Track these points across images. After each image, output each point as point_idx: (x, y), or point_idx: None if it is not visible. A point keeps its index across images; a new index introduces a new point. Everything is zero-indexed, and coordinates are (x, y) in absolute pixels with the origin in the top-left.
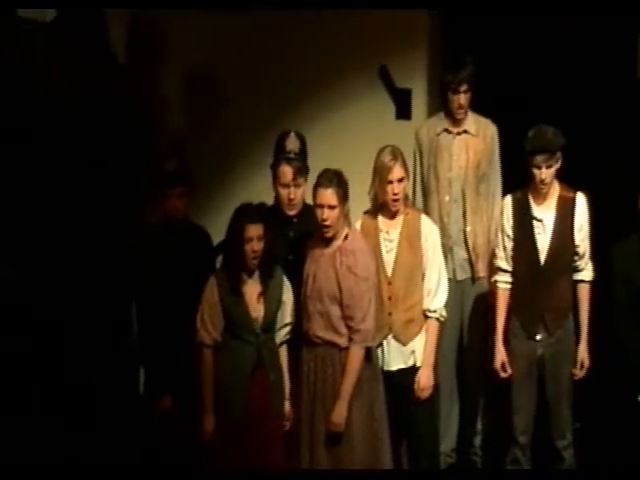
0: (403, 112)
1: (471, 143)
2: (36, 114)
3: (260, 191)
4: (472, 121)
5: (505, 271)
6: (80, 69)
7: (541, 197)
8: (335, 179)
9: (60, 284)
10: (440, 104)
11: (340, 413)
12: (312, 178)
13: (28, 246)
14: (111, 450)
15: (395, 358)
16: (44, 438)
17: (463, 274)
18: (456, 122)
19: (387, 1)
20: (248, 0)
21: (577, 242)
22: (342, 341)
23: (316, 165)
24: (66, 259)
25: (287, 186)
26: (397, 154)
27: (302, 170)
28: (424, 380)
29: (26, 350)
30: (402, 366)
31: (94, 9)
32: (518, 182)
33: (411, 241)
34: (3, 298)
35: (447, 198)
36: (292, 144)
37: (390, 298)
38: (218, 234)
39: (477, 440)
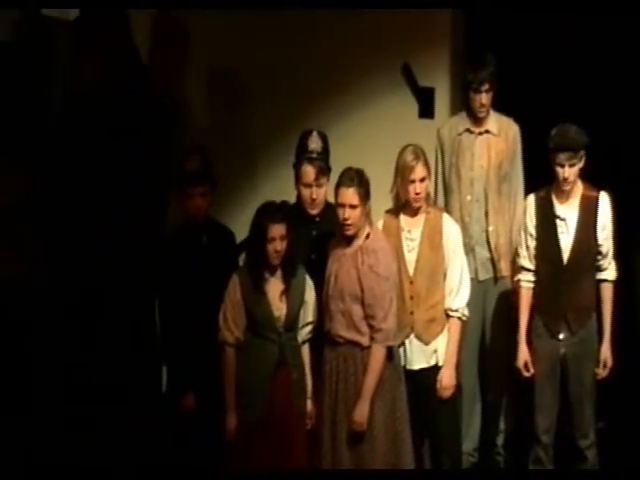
0: (426, 111)
1: (493, 143)
2: (60, 114)
3: (283, 189)
4: (494, 120)
5: (528, 270)
6: (103, 68)
7: (564, 196)
8: (357, 178)
9: (83, 284)
10: (463, 103)
11: (362, 412)
12: (334, 177)
13: (53, 246)
14: (133, 449)
15: (417, 357)
16: (67, 437)
17: (485, 274)
18: (478, 121)
19: (409, 1)
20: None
21: (600, 241)
22: (364, 340)
23: (338, 164)
24: (89, 259)
25: (309, 186)
26: (419, 153)
27: (324, 170)
28: (446, 379)
29: (49, 349)
30: (424, 365)
31: (117, 9)
32: (541, 181)
33: (433, 240)
34: (24, 299)
35: (469, 198)
36: (314, 143)
37: (412, 297)
38: (241, 232)
39: (499, 439)
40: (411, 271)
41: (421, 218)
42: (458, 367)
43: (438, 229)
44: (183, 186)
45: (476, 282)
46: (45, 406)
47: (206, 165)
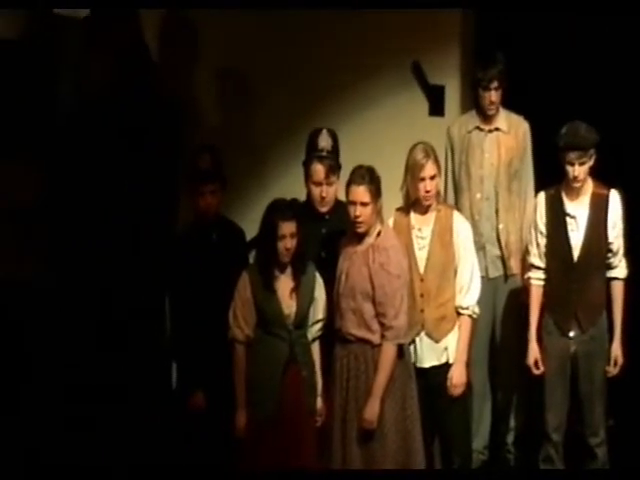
0: (436, 108)
1: (503, 140)
2: (69, 112)
3: (292, 188)
4: (504, 118)
5: (538, 268)
6: (113, 67)
7: (574, 194)
8: (368, 176)
9: (94, 282)
10: (473, 101)
11: (372, 410)
12: (345, 174)
13: (62, 244)
14: (142, 447)
15: (428, 355)
16: (74, 436)
17: (495, 272)
18: (488, 119)
19: (419, 1)
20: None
21: (611, 239)
22: (375, 338)
23: (349, 162)
24: (100, 257)
25: (319, 184)
26: (429, 151)
27: (334, 168)
28: (457, 377)
29: (59, 348)
30: (435, 363)
31: (127, 7)
32: (552, 178)
33: (443, 238)
34: (35, 298)
35: (478, 196)
36: (324, 141)
37: (422, 295)
38: (251, 230)
39: (510, 437)
40: (422, 269)
41: (431, 216)
42: (468, 365)
43: (449, 227)
44: (194, 184)
45: (486, 280)
46: (53, 405)
47: (216, 163)
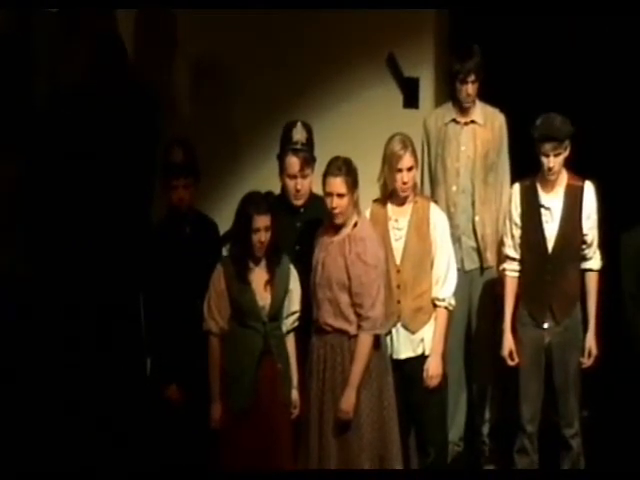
0: (410, 101)
1: (479, 133)
2: (44, 105)
3: (268, 180)
4: (480, 111)
5: (513, 259)
6: (88, 60)
7: (549, 185)
8: (344, 167)
9: (68, 273)
10: (448, 93)
11: (349, 400)
12: (320, 167)
13: (37, 234)
14: (118, 441)
15: (404, 346)
16: (52, 430)
17: (471, 264)
18: (464, 112)
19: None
20: None
21: (585, 231)
22: (351, 328)
23: (324, 154)
24: (74, 249)
25: (294, 177)
26: (407, 142)
27: (309, 161)
28: (433, 368)
29: (30, 340)
30: (411, 354)
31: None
32: (528, 170)
33: (420, 229)
34: (13, 290)
35: (454, 188)
36: (299, 134)
37: (399, 286)
38: (227, 223)
39: (485, 429)
40: (398, 260)
41: (408, 207)
42: (444, 357)
43: (425, 218)
44: (166, 178)
45: (462, 272)
46: (24, 400)
47: (189, 157)
